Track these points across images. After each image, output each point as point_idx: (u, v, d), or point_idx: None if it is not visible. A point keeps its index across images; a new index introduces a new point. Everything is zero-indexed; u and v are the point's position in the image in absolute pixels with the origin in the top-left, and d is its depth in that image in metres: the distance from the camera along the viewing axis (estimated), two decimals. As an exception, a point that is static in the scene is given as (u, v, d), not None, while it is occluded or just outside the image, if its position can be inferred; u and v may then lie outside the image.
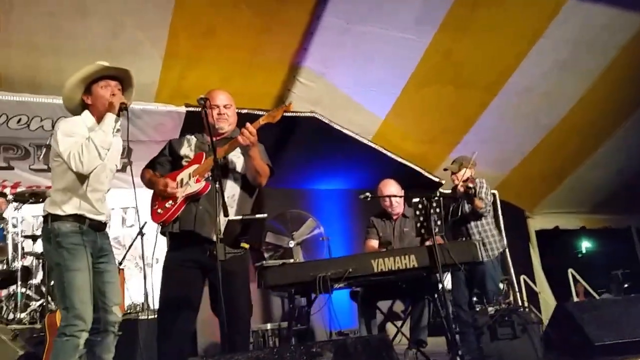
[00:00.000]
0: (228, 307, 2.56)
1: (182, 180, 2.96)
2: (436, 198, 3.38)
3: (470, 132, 7.37)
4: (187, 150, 3.13)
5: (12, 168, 5.58)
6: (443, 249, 3.16)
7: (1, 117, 4.90)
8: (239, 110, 5.63)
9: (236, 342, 2.79)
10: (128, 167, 5.34)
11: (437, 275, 3.13)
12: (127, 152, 5.83)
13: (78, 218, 2.64)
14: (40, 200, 4.56)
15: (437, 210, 3.35)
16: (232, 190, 2.99)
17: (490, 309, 3.57)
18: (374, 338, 2.45)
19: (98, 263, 2.70)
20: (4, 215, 4.57)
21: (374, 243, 4.46)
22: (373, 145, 7.00)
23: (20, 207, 4.61)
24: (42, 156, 5.47)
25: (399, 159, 7.33)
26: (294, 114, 6.20)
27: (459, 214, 4.74)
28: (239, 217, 2.91)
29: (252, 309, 2.99)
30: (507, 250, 7.85)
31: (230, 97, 3.25)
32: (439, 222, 3.33)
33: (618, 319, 3.08)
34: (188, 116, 5.66)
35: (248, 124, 2.83)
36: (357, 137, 6.77)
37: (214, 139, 2.93)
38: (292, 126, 6.37)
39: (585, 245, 12.55)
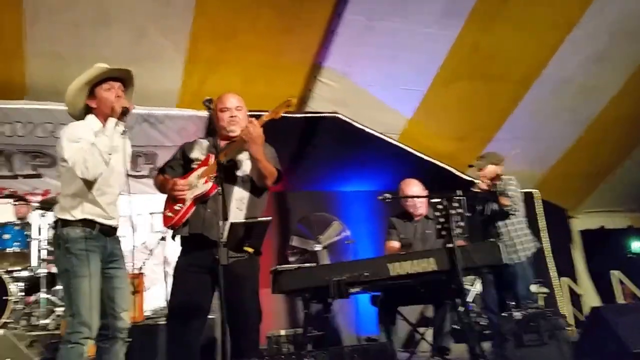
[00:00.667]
0: (237, 313, 2.60)
1: (191, 182, 3.03)
2: (457, 197, 3.32)
3: (503, 128, 7.26)
4: (198, 153, 3.20)
5: (40, 176, 5.79)
6: (464, 252, 3.11)
7: (28, 126, 5.12)
8: (260, 113, 5.90)
9: (245, 349, 2.81)
10: (154, 173, 5.49)
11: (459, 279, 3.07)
12: (152, 158, 6.04)
13: (88, 223, 2.68)
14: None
15: (459, 210, 3.29)
16: (240, 193, 3.04)
17: (516, 313, 3.48)
18: (374, 347, 2.43)
19: (108, 268, 2.73)
20: (29, 221, 4.75)
21: (395, 244, 4.43)
22: (400, 145, 6.95)
23: (46, 214, 4.79)
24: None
25: (428, 158, 7.24)
26: (316, 115, 6.23)
27: (488, 213, 4.65)
28: (242, 221, 2.94)
29: (261, 314, 3.00)
30: (546, 251, 7.71)
31: (241, 100, 3.32)
32: (461, 224, 3.28)
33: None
34: (211, 120, 5.74)
35: (253, 119, 2.93)
36: (382, 136, 6.72)
37: (225, 142, 3.04)
38: (314, 127, 6.41)
39: (636, 245, 12.11)
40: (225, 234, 2.66)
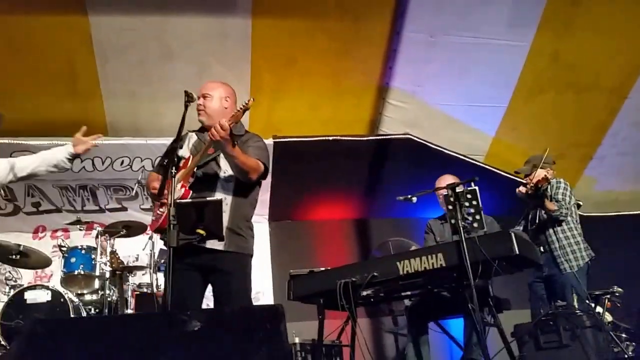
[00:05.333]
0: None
1: (162, 186, 3.15)
2: (470, 188, 3.36)
3: (604, 143, 7.12)
4: (185, 151, 3.41)
5: (125, 209, 6.58)
6: (472, 243, 3.10)
7: (106, 161, 5.89)
8: (327, 138, 6.27)
9: None
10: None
11: (482, 280, 3.10)
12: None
13: None
14: (135, 233, 5.39)
15: (474, 202, 3.32)
16: (220, 195, 3.23)
17: None
18: (262, 308, 2.46)
19: None
20: (94, 245, 5.42)
21: None
22: (485, 166, 6.97)
23: (112, 239, 5.45)
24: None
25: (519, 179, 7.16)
26: (387, 137, 6.47)
27: (537, 220, 4.61)
28: (188, 201, 3.09)
29: None
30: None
31: (215, 86, 3.49)
32: (477, 217, 3.27)
33: None
34: (277, 147, 6.19)
35: (221, 120, 3.03)
36: (463, 157, 6.80)
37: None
38: (387, 150, 6.65)
39: None
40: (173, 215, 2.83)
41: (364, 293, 3.43)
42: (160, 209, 3.28)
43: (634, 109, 6.63)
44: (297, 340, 4.84)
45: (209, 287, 3.36)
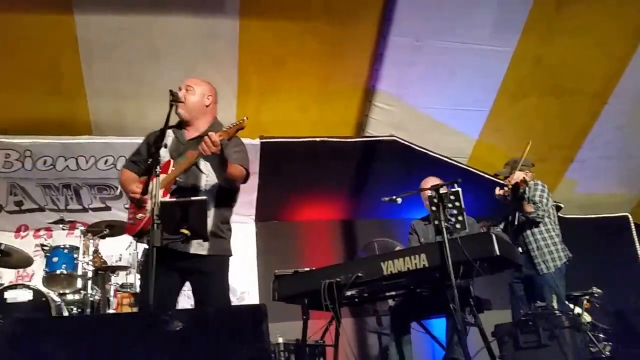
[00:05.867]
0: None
1: (150, 191, 3.07)
2: (453, 190, 3.39)
3: (584, 146, 7.21)
4: (162, 150, 3.25)
5: (109, 209, 6.52)
6: (454, 244, 3.14)
7: (90, 160, 5.83)
8: (314, 139, 6.27)
9: None
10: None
11: (464, 281, 3.12)
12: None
13: None
14: (119, 232, 5.33)
15: (457, 204, 3.34)
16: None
17: None
18: (245, 308, 2.45)
19: None
20: (77, 244, 5.36)
21: None
22: (468, 168, 7.01)
23: (95, 239, 5.40)
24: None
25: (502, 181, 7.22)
26: (373, 139, 6.48)
27: (516, 222, 4.67)
28: (173, 200, 3.05)
29: None
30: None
31: (199, 82, 3.48)
32: (460, 218, 3.30)
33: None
34: (264, 147, 6.18)
35: (211, 133, 2.98)
36: (447, 159, 6.84)
37: (188, 132, 3.30)
38: (374, 152, 6.67)
39: None
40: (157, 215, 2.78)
41: (348, 293, 3.44)
42: (140, 214, 3.20)
43: (615, 113, 6.71)
44: (280, 340, 4.83)
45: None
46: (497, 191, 4.74)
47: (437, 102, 6.54)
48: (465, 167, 7.01)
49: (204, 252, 3.18)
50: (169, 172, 3.18)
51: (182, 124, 3.39)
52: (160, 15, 5.31)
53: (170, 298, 3.16)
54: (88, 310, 5.12)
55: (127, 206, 6.52)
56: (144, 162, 3.37)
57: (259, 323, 2.24)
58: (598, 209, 7.97)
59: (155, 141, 3.13)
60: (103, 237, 5.53)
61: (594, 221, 7.87)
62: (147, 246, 3.26)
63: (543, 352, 3.27)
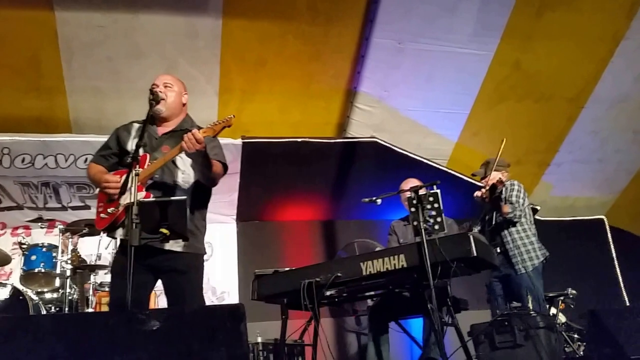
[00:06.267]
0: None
1: (124, 184, 3.04)
2: (432, 191, 3.42)
3: (560, 150, 7.30)
4: (133, 144, 3.27)
5: (88, 207, 6.43)
6: (433, 245, 3.16)
7: (69, 158, 5.76)
8: (296, 139, 6.27)
9: None
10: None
11: (441, 281, 3.14)
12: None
13: None
14: (98, 231, 5.26)
15: (436, 205, 3.36)
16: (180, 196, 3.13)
17: None
18: (223, 308, 2.43)
19: None
20: (56, 243, 5.30)
21: None
22: (447, 170, 7.06)
23: (74, 237, 5.34)
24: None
25: (479, 184, 7.28)
26: (354, 140, 6.49)
27: (493, 222, 4.73)
28: (153, 200, 3.01)
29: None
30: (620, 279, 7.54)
31: (175, 80, 3.45)
32: (438, 219, 3.32)
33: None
34: (246, 147, 6.16)
35: (195, 130, 2.96)
36: (427, 161, 6.88)
37: (160, 128, 3.27)
38: (354, 153, 6.68)
39: None
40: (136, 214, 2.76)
41: (328, 293, 3.42)
42: (112, 208, 3.15)
43: (591, 118, 6.81)
44: (259, 339, 4.82)
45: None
46: (477, 193, 4.79)
47: (418, 104, 6.56)
48: (444, 169, 7.06)
49: (179, 249, 3.15)
50: (146, 166, 3.15)
51: (153, 120, 3.33)
52: (141, 12, 5.25)
53: (143, 296, 3.14)
54: (66, 308, 5.06)
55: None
56: (113, 156, 3.37)
57: (237, 323, 2.23)
58: (574, 211, 8.09)
59: (139, 138, 3.07)
60: (82, 235, 5.47)
61: (570, 224, 7.98)
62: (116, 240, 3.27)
63: (518, 351, 3.30)
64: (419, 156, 6.92)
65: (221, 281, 6.75)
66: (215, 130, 2.99)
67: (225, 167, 3.34)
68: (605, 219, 8.09)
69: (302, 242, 7.42)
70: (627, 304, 7.39)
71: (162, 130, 3.35)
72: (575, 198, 7.97)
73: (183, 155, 3.19)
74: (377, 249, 6.02)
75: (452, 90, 6.40)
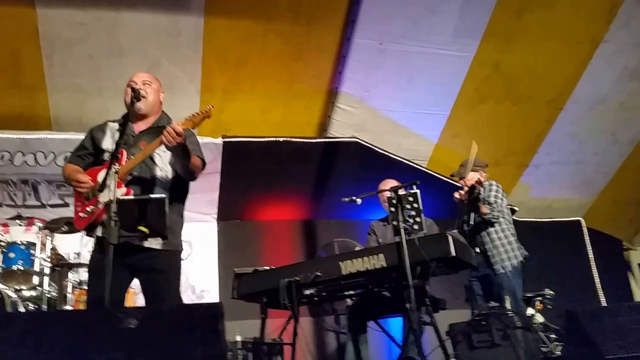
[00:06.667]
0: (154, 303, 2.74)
1: (103, 181, 3.02)
2: (412, 191, 3.44)
3: (539, 152, 7.37)
4: (109, 143, 3.25)
5: (67, 205, 6.34)
6: (412, 245, 3.17)
7: (49, 156, 5.69)
8: (277, 139, 6.27)
9: None
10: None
11: (420, 281, 3.16)
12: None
13: None
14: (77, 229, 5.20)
15: (415, 205, 3.38)
16: (159, 193, 3.10)
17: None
18: (201, 306, 2.44)
19: None
20: (35, 241, 5.24)
21: None
22: (427, 171, 7.10)
23: (53, 235, 5.29)
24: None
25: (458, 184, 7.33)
26: (335, 140, 6.50)
27: (472, 222, 4.76)
28: (132, 197, 2.98)
29: None
30: (596, 280, 7.63)
31: (153, 77, 3.42)
32: (418, 219, 3.33)
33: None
34: (226, 146, 6.14)
35: (174, 123, 2.93)
36: (407, 162, 6.90)
37: (137, 125, 3.23)
38: (335, 153, 6.69)
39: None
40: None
41: (307, 292, 3.42)
42: (90, 207, 3.11)
43: (569, 120, 6.89)
44: (239, 338, 4.80)
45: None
46: (456, 194, 4.82)
47: (399, 105, 6.59)
48: (424, 169, 7.10)
49: (158, 247, 3.11)
50: (124, 162, 3.09)
51: (130, 118, 3.28)
52: (124, 10, 5.22)
53: (120, 294, 3.09)
54: (45, 306, 5.00)
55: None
56: (89, 155, 3.34)
57: (216, 321, 2.21)
58: (552, 213, 8.17)
59: (118, 136, 3.05)
60: (61, 233, 5.42)
61: (548, 225, 8.05)
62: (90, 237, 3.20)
63: (496, 351, 3.33)
64: (400, 157, 6.95)
65: (201, 280, 6.72)
66: (195, 122, 2.96)
67: (203, 163, 3.31)
68: (582, 221, 8.15)
69: (282, 242, 7.41)
70: (604, 304, 7.48)
71: (139, 128, 3.31)
72: (553, 199, 8.05)
73: (161, 152, 3.18)
74: (357, 248, 6.05)
75: (432, 91, 6.44)
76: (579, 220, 8.19)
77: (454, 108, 6.61)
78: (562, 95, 6.68)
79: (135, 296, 5.36)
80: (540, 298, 5.41)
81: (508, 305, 4.04)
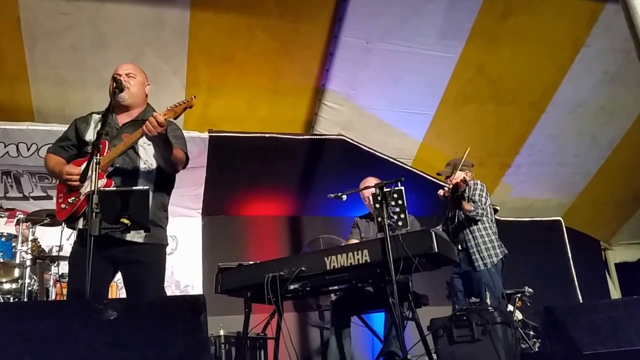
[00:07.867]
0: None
1: (84, 173, 2.90)
2: (397, 188, 3.42)
3: (521, 153, 7.41)
4: (92, 134, 3.20)
5: (50, 197, 6.24)
6: (395, 241, 3.16)
7: (32, 147, 5.58)
8: (263, 134, 6.21)
9: None
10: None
11: (403, 277, 3.15)
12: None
13: None
14: (59, 222, 5.10)
15: (400, 202, 3.38)
16: (143, 185, 3.05)
17: None
18: (183, 298, 2.37)
19: None
20: (16, 233, 5.14)
21: (354, 242, 4.51)
22: (412, 169, 7.10)
23: (35, 227, 5.18)
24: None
25: (443, 184, 7.33)
26: (321, 137, 6.47)
27: (456, 220, 4.78)
28: (114, 189, 2.93)
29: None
30: (575, 278, 7.71)
31: (137, 69, 3.36)
32: (402, 216, 3.34)
33: (617, 324, 2.91)
34: (212, 141, 6.07)
35: (156, 114, 2.87)
36: (392, 160, 6.90)
37: (121, 117, 3.18)
38: (321, 150, 6.66)
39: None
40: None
41: (292, 287, 3.38)
42: (72, 198, 3.04)
43: (550, 122, 6.93)
44: (222, 332, 4.75)
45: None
46: (440, 192, 4.84)
47: (384, 103, 6.58)
48: (409, 168, 7.10)
49: (141, 240, 3.04)
50: (105, 153, 3.04)
51: (114, 110, 3.21)
52: (108, 1, 5.11)
53: (102, 287, 3.03)
54: (25, 299, 4.90)
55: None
56: (72, 147, 3.27)
57: (197, 314, 2.16)
58: (532, 212, 8.24)
59: (101, 126, 2.96)
60: (43, 225, 5.31)
61: (528, 224, 8.13)
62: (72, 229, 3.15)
63: (476, 346, 3.33)
64: (385, 155, 6.95)
65: (185, 275, 6.65)
66: (176, 111, 2.90)
67: (187, 157, 3.25)
68: (562, 221, 8.25)
69: (267, 238, 7.37)
70: (581, 301, 7.56)
71: (122, 119, 3.24)
72: (533, 199, 8.11)
73: (146, 145, 3.13)
74: (342, 244, 6.03)
75: (418, 91, 6.43)
76: (559, 220, 8.28)
77: (439, 108, 6.61)
78: (544, 98, 6.72)
79: (119, 290, 5.28)
80: (519, 295, 5.45)
81: (488, 301, 4.04)
